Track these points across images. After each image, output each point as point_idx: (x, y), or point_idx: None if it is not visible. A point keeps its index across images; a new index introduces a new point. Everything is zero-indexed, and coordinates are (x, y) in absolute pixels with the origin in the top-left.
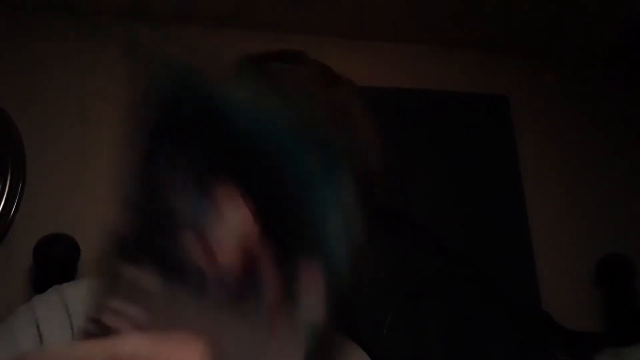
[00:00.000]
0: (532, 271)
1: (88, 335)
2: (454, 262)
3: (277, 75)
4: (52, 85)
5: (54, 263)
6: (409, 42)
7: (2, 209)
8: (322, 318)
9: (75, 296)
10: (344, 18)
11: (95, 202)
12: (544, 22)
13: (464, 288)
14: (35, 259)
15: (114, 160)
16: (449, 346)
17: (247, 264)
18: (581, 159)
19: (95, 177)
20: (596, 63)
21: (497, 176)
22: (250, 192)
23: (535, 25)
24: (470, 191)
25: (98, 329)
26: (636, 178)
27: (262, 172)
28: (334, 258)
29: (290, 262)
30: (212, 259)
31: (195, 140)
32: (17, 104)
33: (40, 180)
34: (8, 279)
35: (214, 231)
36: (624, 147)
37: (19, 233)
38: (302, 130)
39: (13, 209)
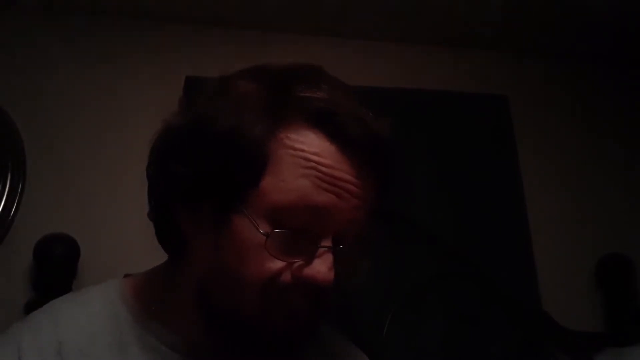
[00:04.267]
0: (532, 271)
1: None
2: (453, 262)
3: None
4: (52, 86)
5: (54, 263)
6: (409, 42)
7: (2, 209)
8: None
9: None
10: (343, 18)
11: (95, 202)
12: (544, 22)
13: (463, 288)
14: (35, 259)
15: (114, 160)
16: (448, 346)
17: None
18: (581, 159)
19: (95, 178)
20: (596, 63)
21: (497, 176)
22: None
23: (535, 25)
24: (470, 191)
25: None
26: (636, 178)
27: None
28: None
29: None
30: None
31: None
32: (17, 104)
33: (40, 180)
34: (8, 279)
35: None
36: (624, 147)
37: (19, 233)
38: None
39: (13, 209)
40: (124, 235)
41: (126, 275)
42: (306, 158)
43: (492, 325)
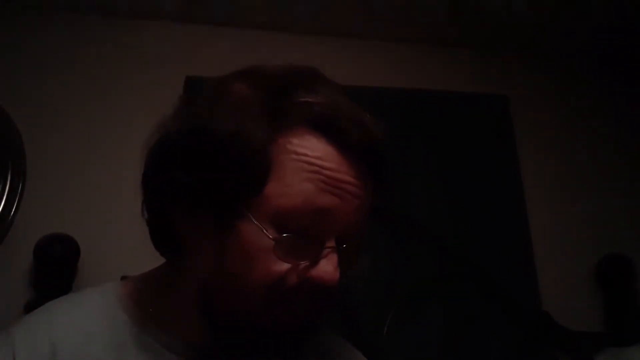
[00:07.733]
0: (532, 271)
1: None
2: (454, 262)
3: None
4: (52, 85)
5: (54, 263)
6: (408, 42)
7: (2, 209)
8: None
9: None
10: (343, 18)
11: (95, 202)
12: (544, 22)
13: (464, 288)
14: (35, 259)
15: (114, 160)
16: (448, 346)
17: None
18: (581, 158)
19: (95, 178)
20: (596, 63)
21: (497, 176)
22: None
23: (535, 25)
24: (470, 191)
25: None
26: (636, 178)
27: None
28: None
29: None
30: None
31: None
32: (17, 104)
33: (40, 180)
34: (8, 279)
35: None
36: (624, 147)
37: (19, 233)
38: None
39: (13, 209)
40: (124, 235)
41: (123, 278)
42: (309, 162)
43: (492, 325)
